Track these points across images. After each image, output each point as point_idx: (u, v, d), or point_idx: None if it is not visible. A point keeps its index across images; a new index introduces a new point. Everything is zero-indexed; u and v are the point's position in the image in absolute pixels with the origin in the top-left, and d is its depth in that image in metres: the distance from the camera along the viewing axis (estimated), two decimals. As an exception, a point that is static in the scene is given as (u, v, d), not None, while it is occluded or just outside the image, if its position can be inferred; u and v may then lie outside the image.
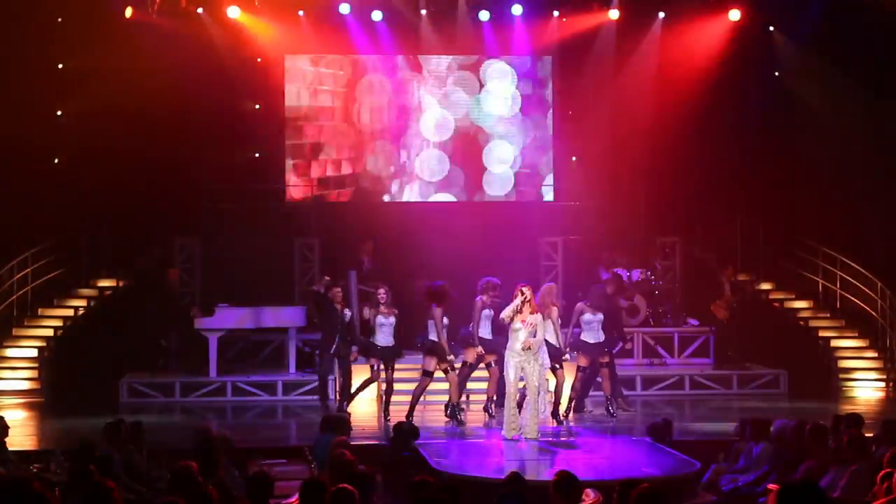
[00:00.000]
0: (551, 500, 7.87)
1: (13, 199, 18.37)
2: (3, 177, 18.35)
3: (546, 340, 13.69)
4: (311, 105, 20.81)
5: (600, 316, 14.89)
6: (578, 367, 14.97)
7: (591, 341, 14.84)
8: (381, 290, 15.01)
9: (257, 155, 20.71)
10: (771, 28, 20.30)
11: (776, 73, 20.66)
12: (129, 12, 19.13)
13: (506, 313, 13.09)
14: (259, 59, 20.48)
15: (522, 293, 13.02)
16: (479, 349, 14.51)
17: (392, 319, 14.89)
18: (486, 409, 14.82)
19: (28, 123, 18.48)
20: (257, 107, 20.70)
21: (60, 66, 19.47)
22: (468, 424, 14.58)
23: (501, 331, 13.89)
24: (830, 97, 19.53)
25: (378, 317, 14.89)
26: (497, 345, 14.36)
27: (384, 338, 14.86)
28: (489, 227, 19.85)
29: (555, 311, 14.25)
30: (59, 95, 19.41)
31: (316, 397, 15.84)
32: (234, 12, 19.55)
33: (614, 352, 15.61)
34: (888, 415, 13.75)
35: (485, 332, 14.55)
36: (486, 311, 14.48)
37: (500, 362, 14.12)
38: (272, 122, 20.66)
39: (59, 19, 19.07)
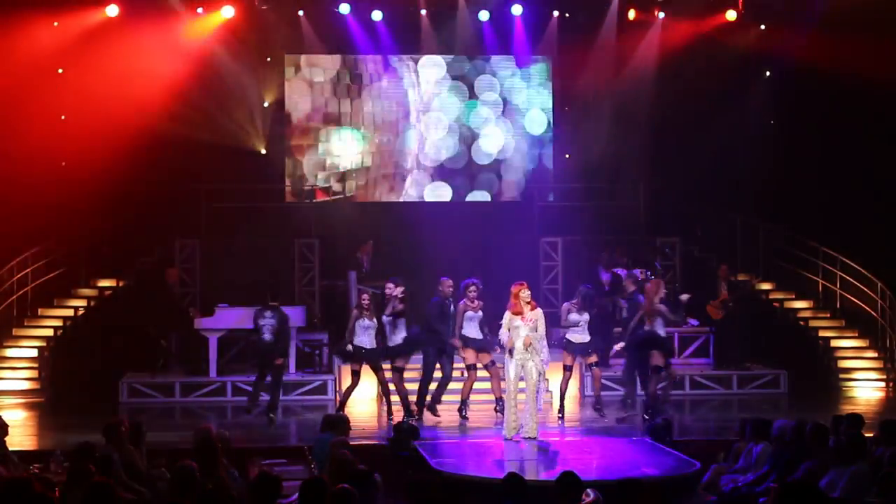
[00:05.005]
0: (553, 499, 7.88)
1: (14, 199, 18.37)
2: (3, 177, 18.35)
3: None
4: (311, 105, 20.83)
5: (587, 316, 14.85)
6: (564, 367, 14.93)
7: (576, 341, 14.79)
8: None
9: (263, 151, 20.72)
10: (762, 27, 20.31)
11: (768, 74, 20.69)
12: (114, 10, 19.05)
13: (503, 337, 13.11)
14: (269, 59, 20.51)
15: (520, 292, 13.02)
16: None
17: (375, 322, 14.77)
18: (459, 411, 14.64)
19: (31, 125, 18.46)
20: (266, 104, 20.70)
21: (61, 70, 19.45)
22: (469, 424, 14.56)
23: (492, 331, 13.92)
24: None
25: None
26: (487, 344, 14.42)
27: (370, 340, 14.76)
28: (489, 227, 19.85)
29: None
30: (60, 98, 19.38)
31: (316, 397, 15.80)
32: (228, 12, 19.58)
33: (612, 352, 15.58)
34: (888, 415, 13.78)
35: (472, 332, 14.52)
36: (469, 314, 14.47)
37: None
38: (272, 122, 20.66)
39: (56, 23, 19.06)
